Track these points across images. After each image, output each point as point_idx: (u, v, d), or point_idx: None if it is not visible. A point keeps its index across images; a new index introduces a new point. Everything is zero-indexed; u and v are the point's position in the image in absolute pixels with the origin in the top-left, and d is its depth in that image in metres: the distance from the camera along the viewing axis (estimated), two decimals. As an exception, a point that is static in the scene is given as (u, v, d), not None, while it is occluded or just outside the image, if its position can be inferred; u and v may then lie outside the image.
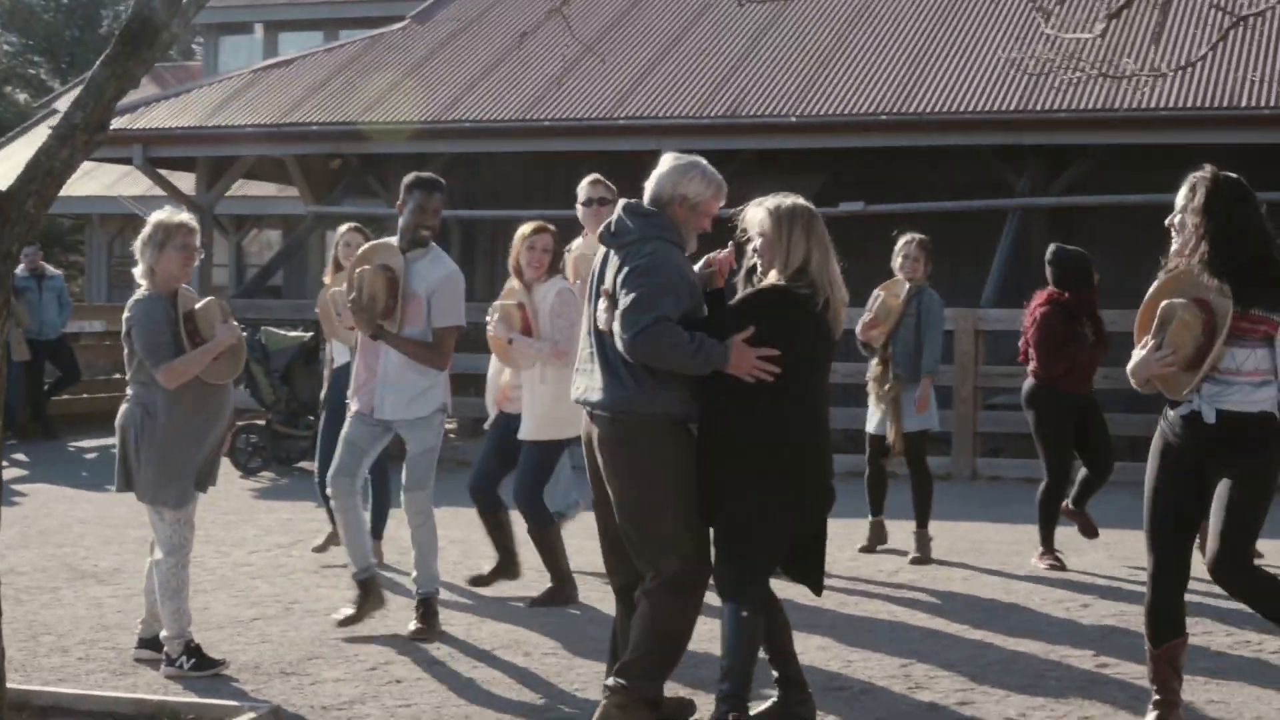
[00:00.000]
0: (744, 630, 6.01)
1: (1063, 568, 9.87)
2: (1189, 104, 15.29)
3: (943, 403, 11.99)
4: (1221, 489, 5.87)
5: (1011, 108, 16.10)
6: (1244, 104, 15.24)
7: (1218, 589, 6.06)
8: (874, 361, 10.49)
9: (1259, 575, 5.97)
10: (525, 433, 8.85)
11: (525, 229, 8.95)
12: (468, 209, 19.40)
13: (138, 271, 7.42)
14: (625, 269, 6.08)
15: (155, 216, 7.42)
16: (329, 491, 8.30)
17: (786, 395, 6.00)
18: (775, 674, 6.28)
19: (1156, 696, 6.09)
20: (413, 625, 8.08)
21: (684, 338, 5.96)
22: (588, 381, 6.25)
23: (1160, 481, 6.01)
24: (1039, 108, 15.99)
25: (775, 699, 6.27)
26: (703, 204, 6.22)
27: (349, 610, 8.21)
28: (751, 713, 6.19)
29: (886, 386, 10.39)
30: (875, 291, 10.46)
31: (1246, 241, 5.82)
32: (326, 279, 10.43)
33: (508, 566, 9.28)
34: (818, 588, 6.32)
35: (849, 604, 8.79)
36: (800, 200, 6.18)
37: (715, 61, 17.95)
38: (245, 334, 7.93)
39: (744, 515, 6.04)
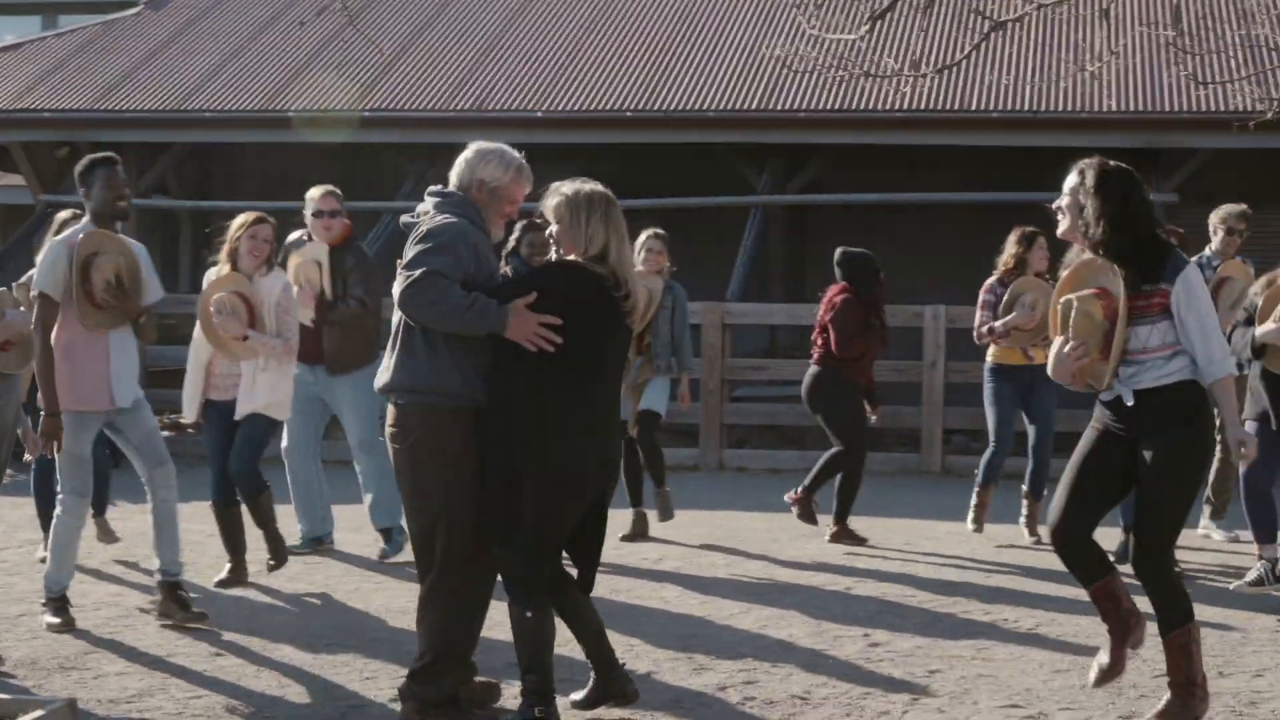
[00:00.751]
0: (528, 631, 6.00)
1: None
2: (920, 106, 15.89)
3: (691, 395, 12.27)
4: (1146, 473, 6.09)
5: (752, 106, 16.53)
6: (975, 107, 15.91)
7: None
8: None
9: (1171, 574, 6.20)
10: (245, 410, 8.82)
11: (246, 218, 8.94)
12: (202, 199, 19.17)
13: None
14: (411, 238, 6.10)
15: None
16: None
17: (576, 374, 5.96)
18: (590, 661, 6.28)
19: (1109, 627, 6.22)
20: (159, 615, 8.02)
21: (456, 291, 5.86)
22: (382, 370, 6.23)
23: (1085, 447, 6.26)
24: (778, 107, 16.44)
25: (592, 681, 6.27)
26: (502, 188, 6.18)
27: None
28: (574, 697, 6.27)
29: (639, 378, 10.62)
30: None
31: (1137, 224, 6.09)
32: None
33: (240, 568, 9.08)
34: (587, 584, 6.26)
35: (620, 591, 8.92)
36: (598, 187, 6.12)
37: (461, 53, 17.98)
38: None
39: (527, 507, 5.98)
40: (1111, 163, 6.23)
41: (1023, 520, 10.82)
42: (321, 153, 17.57)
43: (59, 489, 7.93)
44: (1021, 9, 10.25)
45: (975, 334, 10.72)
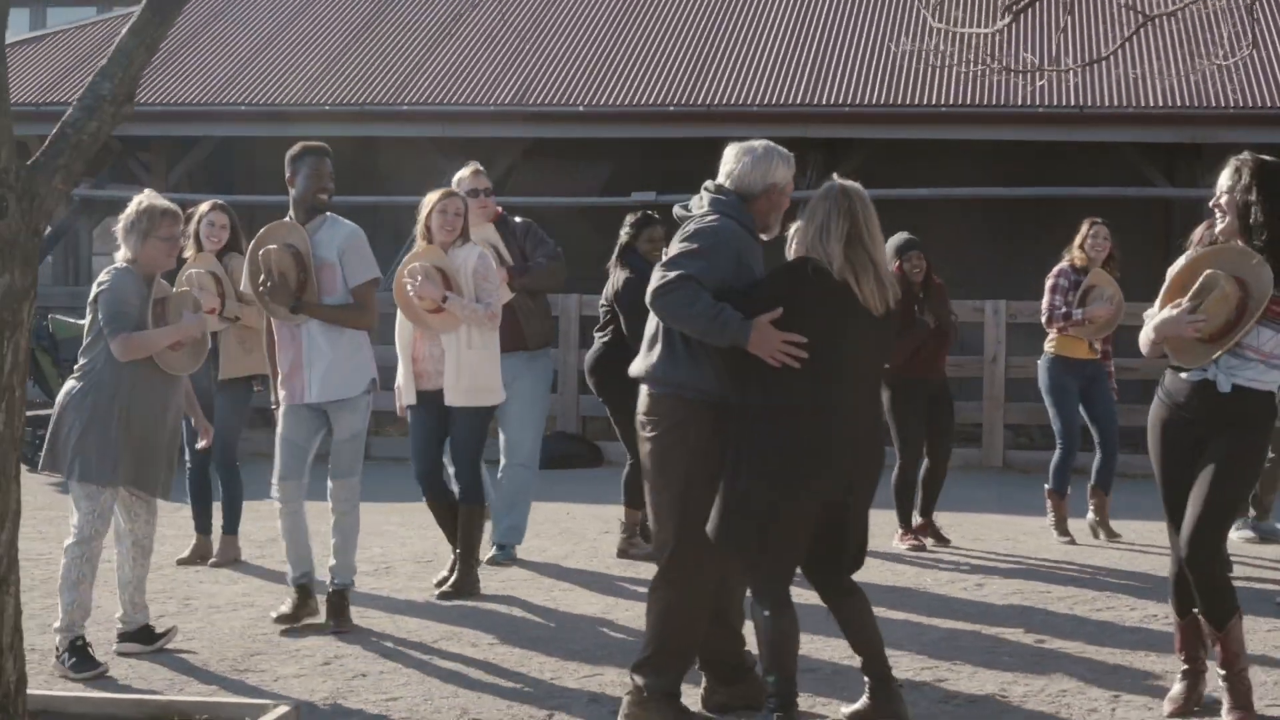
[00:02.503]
0: (763, 630, 5.92)
1: (923, 548, 10.17)
2: (964, 101, 15.94)
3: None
4: (1207, 470, 6.06)
5: (795, 101, 16.50)
6: (1020, 103, 15.95)
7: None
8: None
9: (1221, 570, 6.20)
10: (456, 399, 8.62)
11: (434, 195, 8.80)
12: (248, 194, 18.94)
13: (119, 256, 7.23)
14: (679, 234, 6.08)
15: (139, 201, 7.16)
16: (276, 497, 7.97)
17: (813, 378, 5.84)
18: (864, 676, 6.19)
19: (1184, 666, 6.35)
20: (331, 620, 7.86)
21: (705, 299, 5.79)
22: (640, 357, 6.24)
23: (1167, 460, 6.23)
24: (820, 102, 16.43)
25: (866, 698, 6.18)
26: (789, 185, 6.20)
27: (285, 609, 7.94)
28: (844, 711, 6.23)
29: None
30: None
31: None
32: (188, 256, 9.82)
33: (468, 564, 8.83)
34: (850, 567, 6.19)
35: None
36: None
37: (496, 46, 17.86)
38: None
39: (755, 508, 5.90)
40: (1269, 159, 6.18)
41: (1091, 516, 10.69)
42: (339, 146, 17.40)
43: (272, 477, 7.97)
44: (1172, 5, 10.24)
45: (1045, 319, 10.52)
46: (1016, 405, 14.73)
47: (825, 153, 17.23)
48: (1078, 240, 10.59)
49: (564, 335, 15.57)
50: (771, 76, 16.97)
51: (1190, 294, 6.08)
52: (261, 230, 8.12)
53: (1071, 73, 11.45)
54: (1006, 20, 9.06)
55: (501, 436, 9.75)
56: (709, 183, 6.24)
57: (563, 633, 7.84)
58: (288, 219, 8.00)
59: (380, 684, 6.83)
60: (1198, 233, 6.84)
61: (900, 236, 10.32)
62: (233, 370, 9.57)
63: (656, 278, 5.92)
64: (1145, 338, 6.23)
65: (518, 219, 9.85)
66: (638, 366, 6.23)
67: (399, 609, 8.37)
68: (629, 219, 9.89)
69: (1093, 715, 6.39)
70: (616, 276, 9.75)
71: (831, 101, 16.43)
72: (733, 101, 16.62)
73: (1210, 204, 6.26)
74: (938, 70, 16.49)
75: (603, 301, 10.01)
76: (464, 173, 9.58)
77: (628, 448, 9.68)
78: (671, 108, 16.58)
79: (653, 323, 6.13)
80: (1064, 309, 10.37)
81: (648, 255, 9.58)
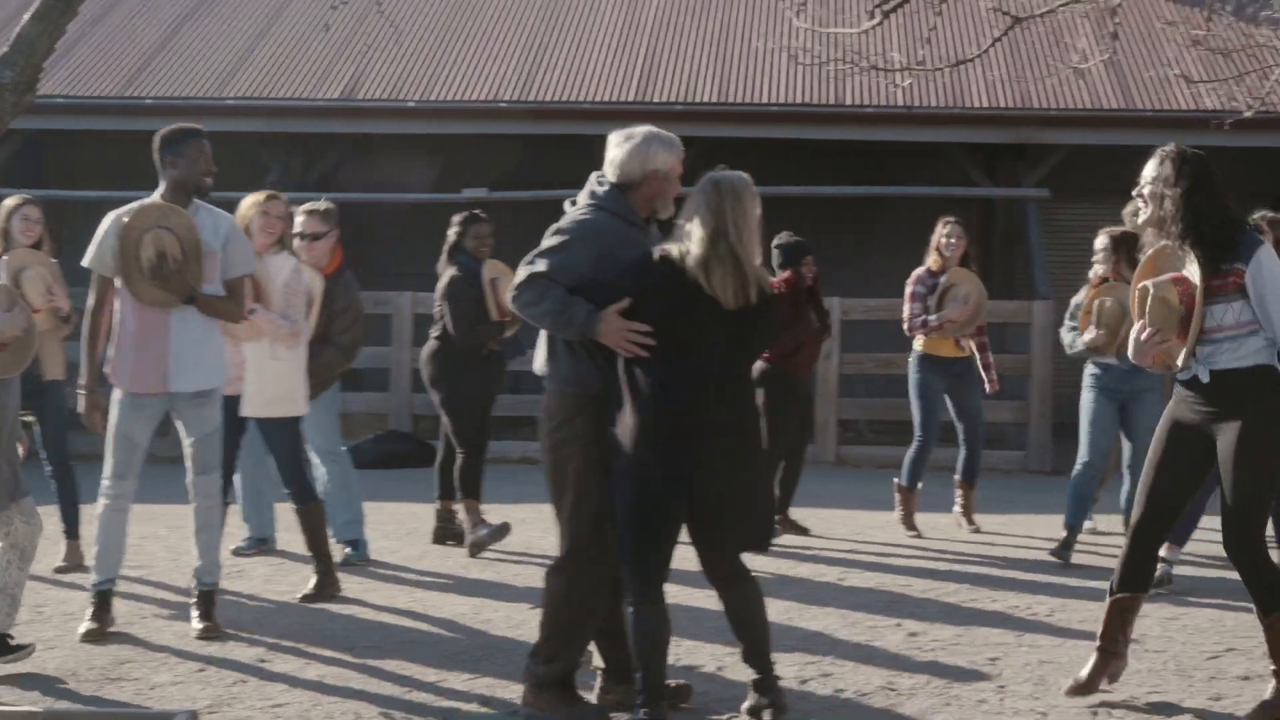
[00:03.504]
0: (630, 626, 5.95)
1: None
2: (805, 101, 16.09)
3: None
4: (1222, 464, 6.20)
5: (629, 99, 16.49)
6: (853, 102, 16.14)
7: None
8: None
9: (1261, 556, 6.23)
10: (258, 410, 8.51)
11: (258, 195, 8.66)
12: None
13: None
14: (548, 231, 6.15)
15: None
16: (107, 495, 7.59)
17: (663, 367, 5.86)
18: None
19: (1099, 644, 6.43)
20: (199, 624, 7.63)
21: (555, 294, 5.89)
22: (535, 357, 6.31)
23: (1165, 438, 6.37)
24: (654, 99, 16.45)
25: (751, 693, 6.18)
26: (673, 171, 6.13)
27: (91, 624, 7.55)
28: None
29: None
30: None
31: (1213, 205, 6.20)
32: None
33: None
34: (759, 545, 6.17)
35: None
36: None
37: (327, 39, 17.57)
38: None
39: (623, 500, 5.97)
40: (1188, 149, 6.34)
41: (957, 509, 10.97)
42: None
43: (104, 474, 7.57)
44: (1044, 7, 10.38)
45: (906, 326, 10.74)
46: (849, 401, 14.90)
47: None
48: (933, 242, 10.76)
49: (396, 334, 15.39)
50: (603, 73, 16.95)
51: (1138, 315, 6.31)
52: (134, 209, 7.55)
53: (940, 72, 11.57)
54: (876, 20, 9.13)
55: None
56: (594, 174, 6.22)
57: (437, 634, 7.72)
58: (159, 201, 7.58)
59: (263, 690, 6.64)
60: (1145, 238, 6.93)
61: (792, 239, 10.51)
62: (57, 370, 9.25)
63: (519, 273, 6.02)
64: (1140, 364, 6.44)
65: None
66: (535, 366, 6.28)
67: (266, 614, 8.17)
68: (455, 218, 10.04)
69: (983, 705, 6.45)
70: (444, 274, 9.89)
71: (664, 99, 16.46)
72: (563, 99, 16.57)
73: (1134, 193, 6.42)
74: (770, 70, 16.68)
75: (436, 299, 10.08)
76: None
77: (456, 442, 9.87)
78: (503, 104, 16.48)
79: None
80: (922, 317, 10.57)
81: (475, 252, 9.85)
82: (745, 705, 6.19)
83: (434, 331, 10.05)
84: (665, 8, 18.42)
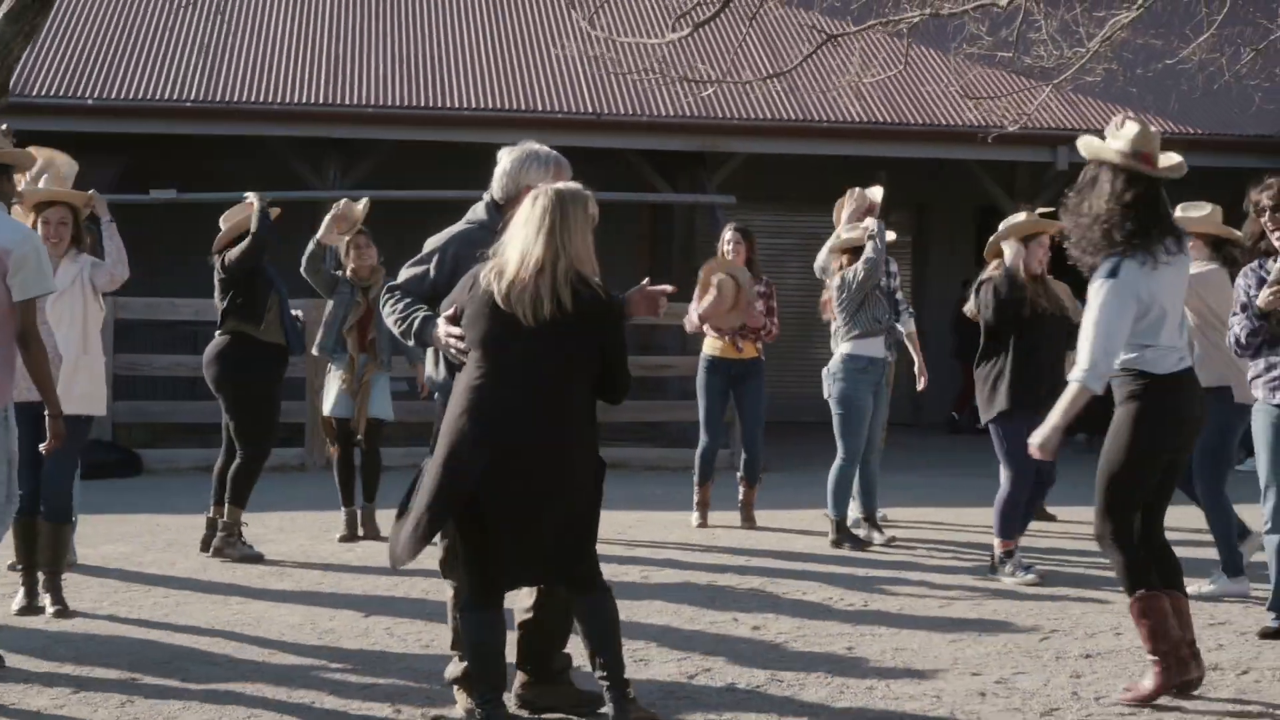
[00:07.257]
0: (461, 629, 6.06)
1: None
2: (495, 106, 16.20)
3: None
4: None
5: (316, 101, 16.27)
6: (529, 107, 16.30)
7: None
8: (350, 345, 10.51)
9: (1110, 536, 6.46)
10: (69, 407, 7.84)
11: (39, 198, 8.30)
12: None
13: None
14: None
15: None
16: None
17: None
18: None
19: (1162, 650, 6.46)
20: None
21: (401, 305, 6.15)
22: None
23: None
24: (343, 102, 16.29)
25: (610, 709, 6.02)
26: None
27: None
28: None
29: (364, 375, 10.46)
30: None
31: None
32: None
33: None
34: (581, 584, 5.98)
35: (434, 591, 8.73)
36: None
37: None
38: None
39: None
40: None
41: (740, 507, 11.30)
42: None
43: None
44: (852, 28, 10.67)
45: (686, 323, 11.17)
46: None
47: (345, 153, 17.10)
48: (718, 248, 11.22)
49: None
50: (288, 75, 16.67)
51: None
52: None
53: (752, 84, 11.80)
54: (686, 30, 9.31)
55: None
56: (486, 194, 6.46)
57: (281, 653, 7.43)
58: None
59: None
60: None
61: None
62: None
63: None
64: None
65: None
66: (424, 376, 6.55)
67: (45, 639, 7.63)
68: None
69: (874, 692, 6.66)
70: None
71: (353, 102, 16.31)
72: (247, 99, 16.22)
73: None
74: (458, 74, 16.71)
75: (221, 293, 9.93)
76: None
77: (241, 442, 9.79)
78: (189, 103, 16.01)
79: None
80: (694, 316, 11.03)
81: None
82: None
83: (220, 330, 9.91)
84: (347, 11, 18.21)
